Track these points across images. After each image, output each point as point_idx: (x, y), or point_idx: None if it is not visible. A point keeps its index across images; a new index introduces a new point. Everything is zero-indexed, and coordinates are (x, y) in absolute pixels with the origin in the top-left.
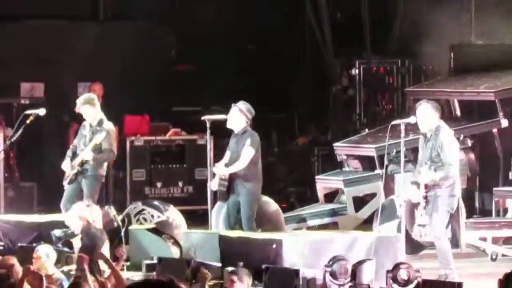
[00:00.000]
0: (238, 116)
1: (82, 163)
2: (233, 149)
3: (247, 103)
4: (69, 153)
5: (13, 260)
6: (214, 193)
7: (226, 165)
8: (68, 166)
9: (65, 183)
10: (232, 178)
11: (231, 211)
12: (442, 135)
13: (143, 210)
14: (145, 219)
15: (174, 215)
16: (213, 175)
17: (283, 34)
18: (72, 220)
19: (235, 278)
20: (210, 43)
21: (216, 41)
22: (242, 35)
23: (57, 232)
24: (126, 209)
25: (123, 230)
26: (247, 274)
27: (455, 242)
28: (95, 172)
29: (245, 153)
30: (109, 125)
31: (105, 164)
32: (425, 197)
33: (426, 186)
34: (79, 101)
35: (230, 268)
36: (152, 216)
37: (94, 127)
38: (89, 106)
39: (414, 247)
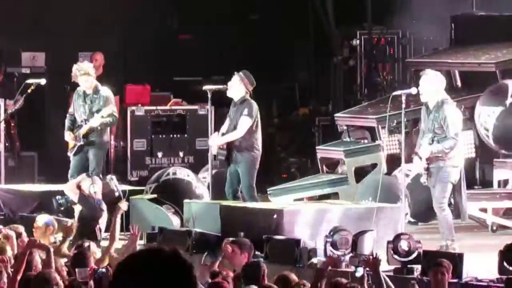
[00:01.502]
0: (238, 85)
1: (87, 133)
2: (231, 117)
3: (249, 73)
4: (67, 123)
5: (21, 229)
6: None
7: (224, 134)
8: (71, 137)
9: (70, 154)
10: (230, 147)
11: (233, 178)
12: (445, 108)
13: None
14: None
15: None
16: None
17: (284, 5)
18: (70, 190)
19: (235, 248)
20: (212, 12)
21: (218, 10)
22: (244, 5)
23: (59, 198)
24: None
25: (124, 200)
26: (248, 245)
27: (457, 213)
28: (100, 139)
29: (242, 123)
30: (106, 91)
31: (108, 130)
32: (427, 169)
33: (428, 158)
34: (76, 70)
35: (231, 239)
36: None
37: (91, 95)
38: (86, 76)
39: (425, 215)
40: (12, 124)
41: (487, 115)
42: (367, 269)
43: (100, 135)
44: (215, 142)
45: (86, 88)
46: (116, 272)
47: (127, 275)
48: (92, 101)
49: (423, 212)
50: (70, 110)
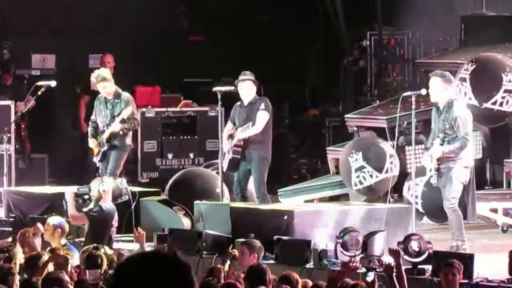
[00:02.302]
0: (252, 89)
1: (110, 138)
2: (242, 119)
3: (251, 72)
4: (90, 130)
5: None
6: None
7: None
8: (95, 144)
9: (96, 160)
10: (244, 144)
11: (241, 178)
12: (455, 108)
13: None
14: None
15: None
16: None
17: (295, 6)
18: (95, 189)
19: (245, 249)
20: (222, 13)
21: (228, 12)
22: (254, 6)
23: (82, 188)
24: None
25: (133, 204)
26: (258, 246)
27: (465, 213)
28: (122, 142)
29: (260, 117)
30: (127, 95)
31: (131, 133)
32: (438, 169)
33: (438, 159)
34: (94, 78)
35: (241, 240)
36: None
37: (112, 100)
38: (104, 82)
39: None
40: (23, 126)
41: (416, 184)
42: (383, 273)
43: (122, 139)
44: (239, 136)
45: (106, 95)
46: (116, 274)
47: (125, 277)
48: (114, 105)
49: (438, 213)
50: (92, 117)
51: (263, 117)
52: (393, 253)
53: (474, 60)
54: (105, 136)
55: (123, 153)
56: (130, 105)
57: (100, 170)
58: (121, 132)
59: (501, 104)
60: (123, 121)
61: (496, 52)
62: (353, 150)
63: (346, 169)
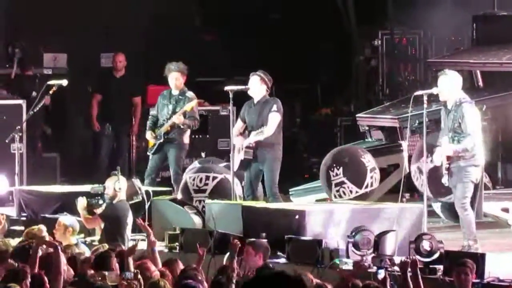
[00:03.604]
0: (259, 85)
1: (168, 132)
2: (253, 118)
3: (265, 71)
4: (149, 123)
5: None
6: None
7: (251, 132)
8: (151, 136)
9: (149, 153)
10: (256, 145)
11: (253, 178)
12: (464, 106)
13: None
14: None
15: None
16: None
17: (306, 5)
18: (110, 187)
19: (250, 249)
20: (234, 13)
21: (241, 11)
22: (266, 6)
23: (96, 187)
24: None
25: (147, 203)
26: (264, 246)
27: (475, 212)
28: (180, 140)
29: (272, 119)
30: (192, 93)
31: (189, 132)
32: (448, 169)
33: (449, 158)
34: (173, 65)
35: (250, 239)
36: None
37: (177, 95)
38: (179, 74)
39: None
40: (34, 126)
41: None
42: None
43: (181, 135)
44: (250, 140)
45: (175, 87)
46: None
47: None
48: (177, 101)
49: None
50: (153, 112)
51: (275, 119)
52: (401, 267)
53: (335, 165)
54: (163, 129)
55: (182, 152)
56: (193, 102)
57: (149, 163)
58: (181, 126)
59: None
60: (185, 114)
61: (508, 51)
62: (334, 164)
63: (326, 180)
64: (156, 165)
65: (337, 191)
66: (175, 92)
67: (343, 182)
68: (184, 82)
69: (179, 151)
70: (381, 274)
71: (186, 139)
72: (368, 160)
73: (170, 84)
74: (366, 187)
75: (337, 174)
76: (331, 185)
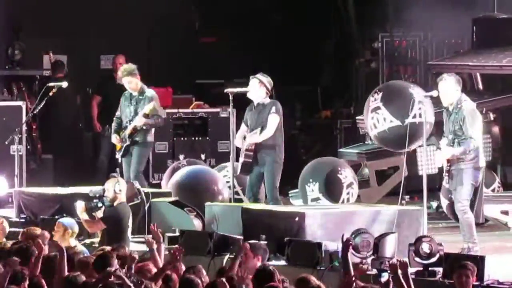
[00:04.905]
0: (258, 88)
1: (132, 133)
2: (253, 120)
3: (265, 74)
4: (114, 126)
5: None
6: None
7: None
8: (117, 139)
9: (118, 156)
10: (256, 148)
11: (254, 181)
12: (464, 109)
13: None
14: None
15: None
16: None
17: (307, 7)
18: (110, 189)
19: (249, 252)
20: (234, 15)
21: (241, 13)
22: (267, 8)
23: (95, 190)
24: None
25: (147, 205)
26: (262, 248)
27: (476, 215)
28: (144, 139)
29: (271, 121)
30: (151, 92)
31: (153, 131)
32: (449, 171)
33: (449, 160)
34: (120, 71)
35: (249, 242)
36: None
37: (137, 96)
38: (130, 77)
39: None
40: (34, 127)
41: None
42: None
43: (144, 135)
44: (250, 140)
45: (131, 90)
46: None
47: None
48: (138, 102)
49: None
50: (117, 113)
51: (274, 120)
52: (391, 268)
53: (377, 90)
54: (127, 131)
55: (144, 150)
56: (153, 102)
57: (123, 167)
58: (144, 127)
59: (420, 116)
60: (146, 116)
61: (508, 54)
62: (311, 178)
63: (302, 196)
64: (128, 169)
65: (314, 205)
66: (134, 93)
67: (318, 198)
68: (140, 79)
69: (142, 150)
70: (385, 277)
71: (151, 137)
72: (346, 176)
73: (126, 87)
74: (342, 202)
75: (313, 190)
76: (307, 200)
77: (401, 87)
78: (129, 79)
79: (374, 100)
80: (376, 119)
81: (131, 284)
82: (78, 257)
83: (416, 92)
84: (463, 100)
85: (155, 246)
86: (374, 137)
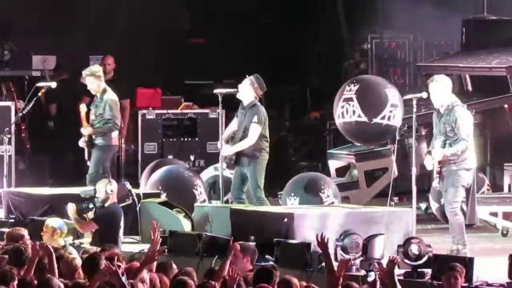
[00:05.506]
0: (248, 89)
1: (90, 138)
2: (240, 120)
3: (260, 77)
4: (82, 130)
5: (23, 231)
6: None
7: (233, 136)
8: (81, 142)
9: (86, 158)
10: (239, 151)
11: (238, 183)
12: (456, 110)
13: None
14: None
15: None
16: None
17: (296, 9)
18: (101, 190)
19: (238, 252)
20: (223, 15)
21: (230, 14)
22: (256, 8)
23: (86, 191)
24: None
25: (138, 205)
26: (252, 249)
27: (467, 217)
28: (103, 142)
29: (252, 131)
30: (109, 96)
31: (114, 134)
32: (439, 173)
33: (440, 162)
34: (84, 72)
35: (239, 243)
36: None
37: (97, 99)
38: (93, 78)
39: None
40: (23, 128)
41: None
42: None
43: (103, 138)
44: (227, 152)
45: (93, 91)
46: None
47: None
48: (97, 105)
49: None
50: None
51: (255, 130)
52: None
53: (354, 81)
54: (86, 136)
55: (102, 154)
56: (110, 109)
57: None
58: (93, 136)
59: (388, 119)
60: (103, 122)
61: (497, 56)
62: (292, 192)
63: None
64: None
65: None
66: (96, 95)
67: None
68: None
69: (99, 152)
70: (371, 277)
71: (111, 140)
72: (327, 195)
73: (88, 88)
74: None
75: (293, 204)
76: None
77: (378, 86)
78: (91, 79)
79: (350, 90)
80: (346, 109)
81: (126, 283)
82: (66, 257)
83: (392, 94)
84: (454, 101)
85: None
86: (338, 125)
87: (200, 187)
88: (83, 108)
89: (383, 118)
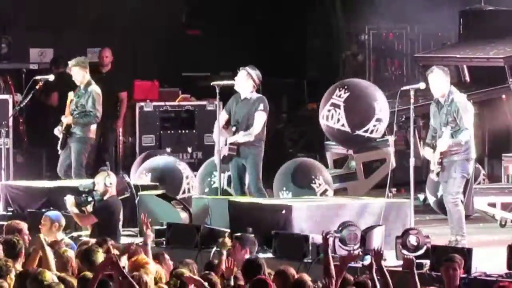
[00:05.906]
0: (245, 80)
1: (68, 127)
2: (240, 115)
3: (255, 67)
4: (62, 117)
5: (22, 225)
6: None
7: (237, 128)
8: (58, 131)
9: (58, 148)
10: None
11: (239, 174)
12: (457, 100)
13: None
14: None
15: None
16: (225, 141)
17: (293, 0)
18: (100, 183)
19: (237, 244)
20: (220, 7)
21: (227, 5)
22: (252, 1)
23: (85, 184)
24: None
25: (137, 198)
26: (250, 241)
27: (466, 207)
28: (82, 134)
29: (258, 119)
30: (94, 88)
31: (93, 127)
32: (441, 163)
33: (441, 153)
34: (70, 62)
35: (236, 234)
36: None
37: (81, 90)
38: (78, 68)
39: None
40: (20, 120)
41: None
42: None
43: (81, 130)
44: (238, 139)
45: (77, 81)
46: None
47: None
48: (80, 95)
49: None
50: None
51: (261, 118)
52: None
53: (345, 87)
54: (64, 125)
55: (82, 146)
56: (93, 101)
57: (59, 160)
58: (73, 126)
59: (371, 132)
60: (83, 114)
61: (494, 46)
62: (284, 187)
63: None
64: (64, 161)
65: None
66: (81, 86)
67: None
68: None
69: (79, 145)
70: (367, 260)
71: (89, 132)
72: (320, 184)
73: (73, 78)
74: None
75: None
76: None
77: (368, 98)
78: (76, 70)
79: (339, 96)
80: (332, 114)
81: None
82: (57, 249)
83: (379, 107)
84: (454, 91)
85: (149, 240)
86: (322, 125)
87: (188, 178)
88: (70, 96)
89: (366, 131)
